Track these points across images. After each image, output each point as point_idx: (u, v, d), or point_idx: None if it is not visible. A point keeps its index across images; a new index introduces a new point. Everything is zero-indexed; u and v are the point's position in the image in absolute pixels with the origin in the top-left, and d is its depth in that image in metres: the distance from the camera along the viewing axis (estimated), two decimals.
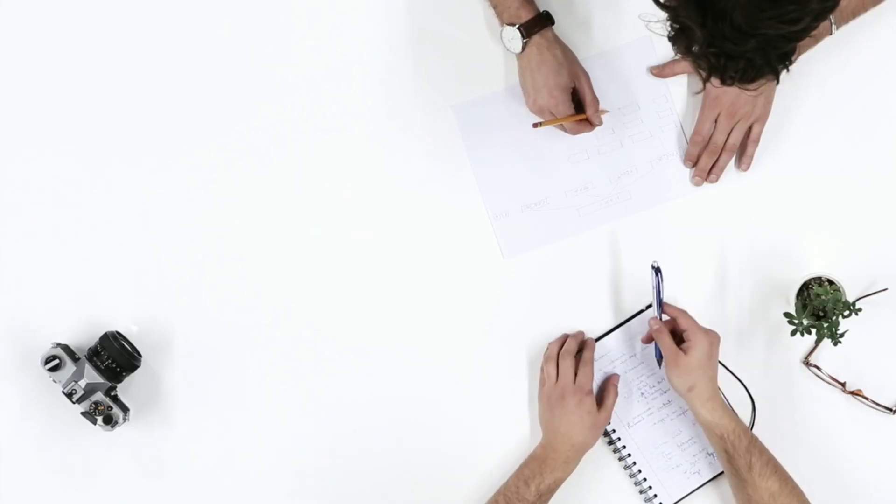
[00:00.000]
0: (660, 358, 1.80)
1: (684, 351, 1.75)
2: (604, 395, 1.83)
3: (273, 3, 1.88)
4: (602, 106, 1.84)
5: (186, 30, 1.89)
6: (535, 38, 1.78)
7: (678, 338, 1.78)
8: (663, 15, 1.38)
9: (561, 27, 1.84)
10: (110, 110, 1.88)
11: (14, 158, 1.88)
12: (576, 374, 1.80)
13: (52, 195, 1.87)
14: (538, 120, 1.81)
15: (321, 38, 1.89)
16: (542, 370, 1.84)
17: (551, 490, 1.77)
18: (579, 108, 1.83)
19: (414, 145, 1.86)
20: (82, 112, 1.88)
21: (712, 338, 1.76)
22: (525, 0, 1.78)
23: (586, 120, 1.83)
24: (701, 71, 1.41)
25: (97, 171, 1.87)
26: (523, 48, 1.79)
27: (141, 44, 1.88)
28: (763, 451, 1.74)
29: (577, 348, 1.83)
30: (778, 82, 1.42)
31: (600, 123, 1.84)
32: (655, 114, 1.88)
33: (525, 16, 1.78)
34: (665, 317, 1.80)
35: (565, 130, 1.84)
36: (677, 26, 1.38)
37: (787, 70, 1.40)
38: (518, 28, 1.77)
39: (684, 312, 1.79)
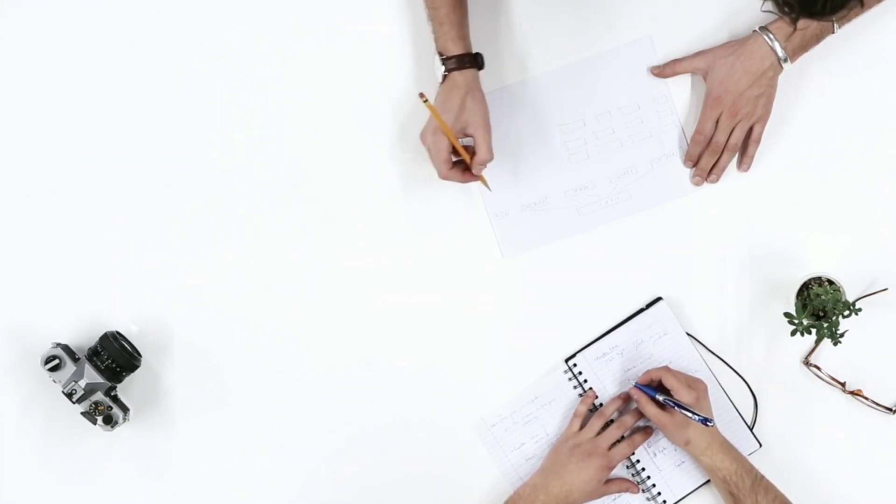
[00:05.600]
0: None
1: (671, 413, 1.75)
2: (614, 480, 1.82)
3: (274, 15, 1.89)
4: (600, 107, 1.84)
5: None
6: (454, 75, 1.76)
7: (666, 390, 1.77)
8: None
9: (561, 27, 1.84)
10: (109, 111, 1.88)
11: (14, 159, 1.88)
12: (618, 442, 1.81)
13: (52, 195, 1.87)
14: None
15: (320, 39, 1.89)
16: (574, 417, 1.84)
17: None
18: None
19: (413, 145, 1.86)
20: (81, 112, 1.88)
21: (698, 390, 1.76)
22: (460, 36, 1.76)
23: (468, 169, 1.79)
24: (787, 10, 1.37)
25: (97, 172, 1.88)
26: (443, 80, 1.77)
27: (141, 58, 1.89)
28: (769, 489, 1.73)
29: (615, 411, 1.82)
30: (862, 4, 1.40)
31: (478, 175, 1.79)
32: (655, 114, 1.88)
33: (453, 50, 1.76)
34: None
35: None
36: None
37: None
38: (443, 60, 1.76)
39: (666, 370, 1.78)
